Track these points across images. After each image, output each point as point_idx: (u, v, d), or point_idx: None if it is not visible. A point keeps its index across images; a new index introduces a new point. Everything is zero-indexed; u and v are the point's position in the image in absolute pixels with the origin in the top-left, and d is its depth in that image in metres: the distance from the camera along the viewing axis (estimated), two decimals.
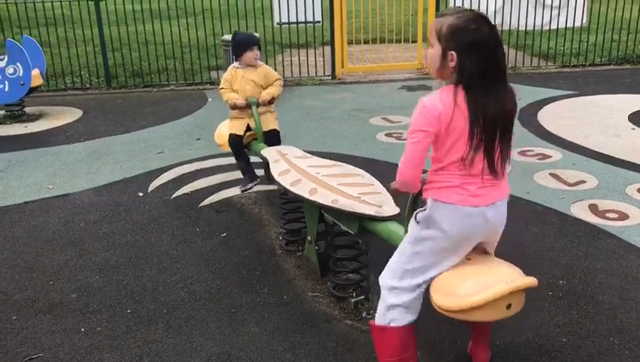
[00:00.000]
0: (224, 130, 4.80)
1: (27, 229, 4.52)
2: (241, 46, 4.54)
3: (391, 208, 3.00)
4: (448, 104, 2.22)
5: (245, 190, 4.77)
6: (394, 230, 2.87)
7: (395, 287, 2.52)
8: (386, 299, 2.55)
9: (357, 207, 3.05)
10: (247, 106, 4.55)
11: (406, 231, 2.67)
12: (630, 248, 3.93)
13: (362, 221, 3.06)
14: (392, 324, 2.54)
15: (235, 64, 4.63)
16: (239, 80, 4.57)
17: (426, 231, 2.41)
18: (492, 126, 2.23)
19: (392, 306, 2.53)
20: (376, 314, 2.60)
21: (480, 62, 2.18)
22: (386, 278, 2.57)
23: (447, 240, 2.37)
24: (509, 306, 2.30)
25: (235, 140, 4.66)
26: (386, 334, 2.58)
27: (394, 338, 2.56)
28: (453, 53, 2.21)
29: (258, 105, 4.56)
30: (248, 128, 4.65)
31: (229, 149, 4.73)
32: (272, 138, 4.62)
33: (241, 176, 4.85)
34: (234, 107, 4.56)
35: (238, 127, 4.64)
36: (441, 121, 2.23)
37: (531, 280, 2.32)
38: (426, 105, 2.26)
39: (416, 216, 2.45)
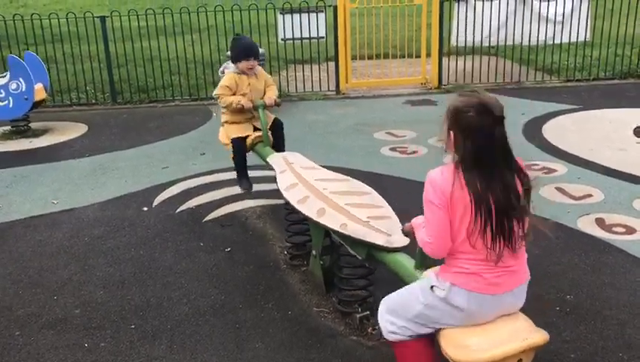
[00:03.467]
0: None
1: (31, 244, 4.52)
2: (242, 53, 4.51)
3: (401, 238, 2.92)
4: (449, 178, 2.24)
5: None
6: (403, 262, 2.81)
7: (395, 324, 2.50)
8: (387, 328, 2.53)
9: (366, 236, 2.98)
10: (254, 109, 4.55)
11: (416, 267, 2.66)
12: (638, 262, 3.90)
13: (371, 249, 3.00)
14: (398, 339, 2.51)
15: (233, 69, 4.57)
16: (245, 86, 4.57)
17: (439, 303, 2.37)
18: (488, 212, 2.21)
19: (395, 333, 2.51)
20: (381, 329, 2.58)
21: (474, 147, 2.20)
22: (386, 309, 2.54)
23: (461, 316, 2.35)
24: (519, 361, 2.27)
25: (239, 144, 4.64)
26: (398, 347, 2.55)
27: (407, 350, 2.53)
28: (451, 133, 2.26)
29: (265, 107, 4.57)
30: (254, 129, 4.65)
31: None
32: (277, 128, 4.70)
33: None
34: (239, 110, 4.52)
35: (241, 130, 4.62)
36: (444, 194, 2.24)
37: (544, 338, 2.28)
38: (430, 178, 2.30)
39: (432, 289, 2.40)
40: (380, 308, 2.58)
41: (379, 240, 2.94)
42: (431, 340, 2.51)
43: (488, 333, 2.31)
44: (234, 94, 4.56)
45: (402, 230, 2.73)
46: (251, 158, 4.83)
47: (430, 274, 2.47)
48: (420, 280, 2.54)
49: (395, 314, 2.50)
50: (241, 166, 4.78)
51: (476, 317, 2.34)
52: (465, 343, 2.30)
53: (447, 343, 2.36)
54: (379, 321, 2.58)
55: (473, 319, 2.35)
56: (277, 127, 4.74)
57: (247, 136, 4.64)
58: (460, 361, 2.29)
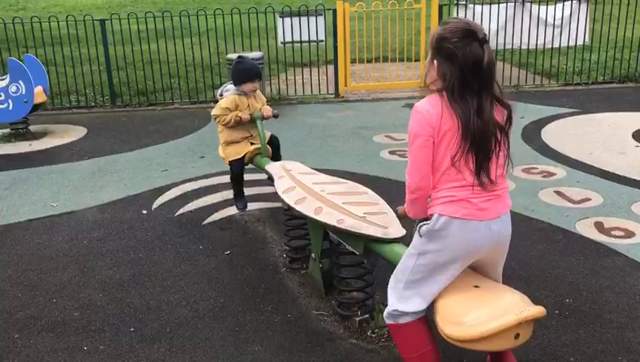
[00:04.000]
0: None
1: (31, 247, 4.51)
2: (245, 76, 4.61)
3: (397, 229, 2.97)
4: (437, 107, 2.28)
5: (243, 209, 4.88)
6: (400, 252, 2.82)
7: (400, 296, 2.53)
8: (392, 304, 2.56)
9: (363, 228, 3.02)
10: (252, 120, 4.60)
11: None
12: (637, 266, 3.90)
13: (368, 242, 3.03)
14: (401, 321, 2.54)
15: (234, 90, 4.65)
16: (245, 107, 4.65)
17: (429, 244, 2.41)
18: (473, 136, 2.24)
19: (399, 314, 2.53)
20: (385, 311, 2.61)
21: (459, 72, 2.22)
22: (392, 285, 2.59)
23: (451, 253, 2.38)
24: (517, 336, 2.27)
25: (238, 168, 4.73)
26: (396, 330, 2.58)
27: (405, 334, 2.55)
28: (436, 61, 2.29)
29: (263, 119, 4.62)
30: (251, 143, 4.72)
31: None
32: (273, 146, 4.77)
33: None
34: (238, 123, 4.57)
35: (239, 149, 4.68)
36: (433, 124, 2.28)
37: (540, 310, 2.29)
38: (418, 109, 2.33)
39: (419, 230, 2.45)
40: (388, 287, 2.61)
41: (375, 232, 2.97)
42: (427, 320, 2.55)
43: (483, 309, 2.32)
44: None
45: (396, 211, 2.74)
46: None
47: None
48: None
49: (399, 283, 2.52)
50: (238, 189, 4.88)
51: (467, 253, 2.37)
52: (460, 320, 2.32)
53: (443, 321, 2.38)
54: (387, 307, 2.61)
55: (465, 257, 2.37)
56: (274, 145, 4.82)
57: (246, 154, 4.69)
58: (457, 337, 2.30)
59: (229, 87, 4.70)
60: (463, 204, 2.33)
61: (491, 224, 2.36)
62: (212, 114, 4.65)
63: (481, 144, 2.27)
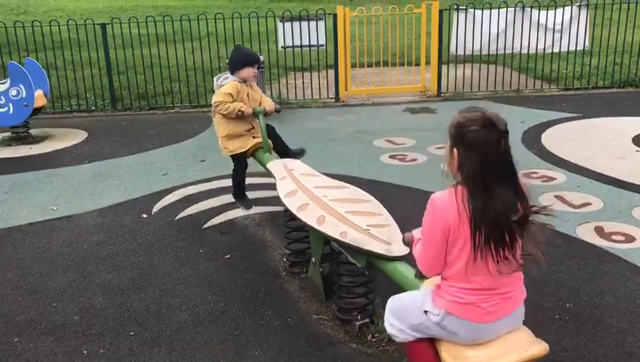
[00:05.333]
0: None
1: (31, 250, 4.51)
2: (243, 61, 4.53)
3: (400, 247, 2.92)
4: (454, 203, 2.18)
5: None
6: (402, 271, 2.81)
7: (396, 327, 2.50)
8: (389, 329, 2.54)
9: (366, 244, 2.98)
10: (254, 115, 4.56)
11: (416, 276, 2.63)
12: (637, 271, 3.90)
13: (370, 257, 3.01)
14: (402, 340, 2.51)
15: (234, 78, 4.57)
16: (245, 96, 4.58)
17: (435, 326, 2.35)
18: (493, 229, 2.16)
19: (397, 337, 2.52)
20: (389, 332, 2.58)
21: (478, 162, 2.14)
22: (389, 314, 2.54)
23: (456, 338, 2.33)
24: None
25: (241, 162, 4.68)
26: (407, 346, 2.54)
27: (416, 347, 2.51)
28: (455, 150, 2.20)
29: (266, 114, 4.59)
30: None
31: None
32: (271, 132, 4.71)
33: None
34: (239, 117, 4.52)
35: (243, 143, 4.63)
36: (446, 220, 2.19)
37: (544, 349, 2.26)
38: (436, 204, 2.22)
39: (426, 313, 2.38)
40: (386, 308, 2.58)
41: (378, 248, 2.94)
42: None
43: (488, 345, 2.30)
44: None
45: (403, 239, 2.71)
46: (251, 165, 4.83)
47: (426, 294, 2.43)
48: (421, 292, 2.51)
49: (397, 318, 2.50)
50: (241, 188, 4.82)
51: (471, 341, 2.32)
52: (464, 355, 2.30)
53: (447, 353, 2.36)
54: (385, 322, 2.58)
55: (469, 342, 2.33)
56: (271, 132, 4.72)
57: (249, 149, 4.65)
58: None
59: (228, 76, 4.59)
60: (470, 308, 2.27)
61: (499, 322, 2.30)
62: (213, 101, 4.53)
63: (498, 241, 2.17)
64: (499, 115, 2.21)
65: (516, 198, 2.20)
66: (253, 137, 4.65)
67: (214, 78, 4.73)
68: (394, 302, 2.56)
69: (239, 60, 4.55)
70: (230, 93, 4.48)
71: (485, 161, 2.13)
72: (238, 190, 4.83)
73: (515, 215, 2.19)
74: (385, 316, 2.57)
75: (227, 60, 4.68)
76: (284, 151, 4.79)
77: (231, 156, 4.70)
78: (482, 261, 2.19)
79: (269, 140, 4.64)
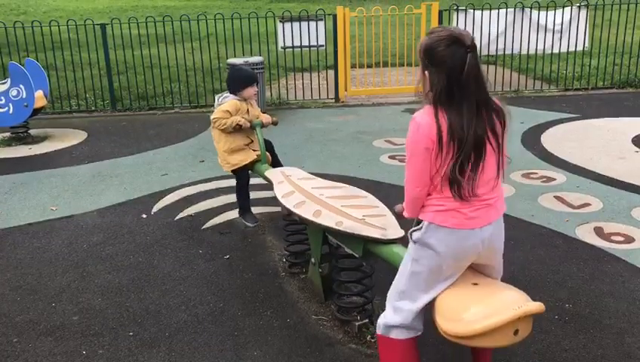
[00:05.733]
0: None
1: (30, 251, 4.51)
2: (244, 82, 4.62)
3: (396, 231, 2.99)
4: (432, 118, 2.27)
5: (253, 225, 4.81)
6: (399, 253, 2.85)
7: (395, 307, 2.55)
8: (387, 316, 2.58)
9: (362, 230, 3.03)
10: (252, 128, 4.60)
11: (396, 210, 2.71)
12: (636, 271, 3.90)
13: (367, 244, 3.04)
14: (391, 336, 2.56)
15: (234, 97, 4.63)
16: (245, 113, 4.63)
17: (421, 250, 2.43)
18: (465, 147, 2.23)
19: (393, 326, 2.55)
20: (378, 323, 2.62)
21: (445, 80, 2.22)
22: (389, 297, 2.60)
23: (442, 260, 2.39)
24: (516, 332, 2.26)
25: (244, 176, 4.72)
26: (387, 344, 2.59)
27: (395, 350, 2.57)
28: (426, 72, 2.30)
29: (263, 126, 4.63)
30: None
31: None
32: (269, 148, 4.77)
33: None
34: (237, 130, 4.56)
35: (244, 156, 4.66)
36: (430, 135, 2.26)
37: (539, 306, 2.28)
38: (417, 120, 2.32)
39: (411, 235, 2.46)
40: (388, 299, 2.61)
41: (374, 233, 2.98)
42: (416, 342, 2.56)
43: (482, 305, 2.32)
44: None
45: (393, 210, 2.75)
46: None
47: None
48: None
49: (395, 293, 2.54)
50: (246, 202, 4.83)
51: (458, 260, 2.38)
52: (459, 316, 2.32)
53: (442, 318, 2.38)
54: (380, 318, 2.61)
55: (456, 264, 2.38)
56: (269, 149, 4.81)
57: (250, 162, 4.68)
58: (456, 334, 2.30)
59: (228, 95, 4.68)
60: (452, 213, 2.34)
61: (481, 231, 2.36)
62: (212, 118, 4.62)
63: (472, 153, 2.26)
64: (463, 30, 2.30)
65: (489, 111, 2.28)
66: (253, 150, 4.69)
67: (216, 97, 4.80)
68: (391, 289, 2.60)
69: (240, 82, 4.63)
70: (228, 111, 4.56)
71: (454, 77, 2.21)
72: (244, 206, 4.84)
73: (489, 127, 2.28)
74: (387, 302, 2.59)
75: (226, 80, 4.73)
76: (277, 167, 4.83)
77: (233, 172, 4.73)
78: (461, 171, 2.26)
79: (267, 153, 4.69)
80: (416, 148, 2.31)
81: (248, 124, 4.58)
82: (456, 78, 2.21)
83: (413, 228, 2.46)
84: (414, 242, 2.46)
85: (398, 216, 2.80)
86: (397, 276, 2.59)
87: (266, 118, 4.72)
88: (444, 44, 2.23)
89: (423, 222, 2.41)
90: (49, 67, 9.23)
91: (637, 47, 10.00)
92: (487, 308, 2.29)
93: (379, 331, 2.62)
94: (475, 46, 2.24)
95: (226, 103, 4.62)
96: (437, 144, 2.25)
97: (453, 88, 2.22)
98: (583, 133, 7.25)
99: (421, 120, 2.30)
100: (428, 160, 2.30)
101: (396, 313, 2.54)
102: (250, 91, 4.65)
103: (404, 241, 2.89)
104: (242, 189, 4.80)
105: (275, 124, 4.78)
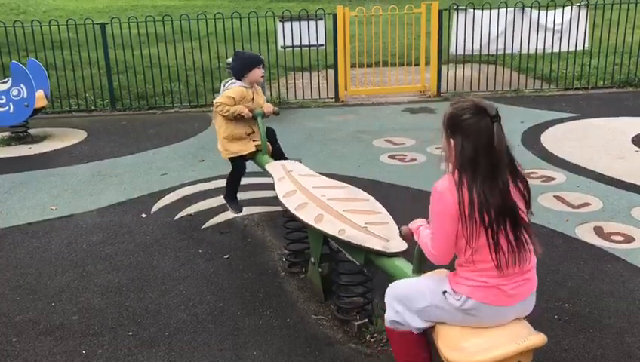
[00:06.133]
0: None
1: (30, 250, 4.51)
2: (250, 63, 4.52)
3: (398, 243, 2.93)
4: (453, 189, 2.23)
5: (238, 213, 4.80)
6: (401, 267, 2.82)
7: (402, 318, 2.51)
8: (390, 314, 2.55)
9: (364, 241, 2.99)
10: (253, 117, 4.56)
11: (414, 271, 2.65)
12: (636, 271, 3.89)
13: (369, 254, 3.01)
14: (400, 329, 2.54)
15: (240, 83, 4.58)
16: (250, 100, 4.57)
17: (452, 308, 2.35)
18: (490, 216, 2.19)
19: (397, 323, 2.53)
20: (386, 320, 2.59)
21: (472, 150, 2.19)
22: (393, 294, 2.55)
23: (471, 320, 2.33)
24: None
25: (240, 165, 4.69)
26: (396, 336, 2.57)
27: (404, 341, 2.54)
28: (451, 140, 2.26)
29: (264, 116, 4.59)
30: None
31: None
32: (270, 136, 4.73)
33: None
34: (239, 119, 4.52)
35: (243, 146, 4.62)
36: (452, 203, 2.22)
37: (541, 339, 2.26)
38: (439, 190, 2.27)
39: (445, 294, 2.37)
40: (387, 293, 2.58)
41: (376, 245, 2.95)
42: (426, 333, 2.53)
43: (485, 335, 2.30)
44: None
45: (400, 232, 2.73)
46: (250, 165, 4.82)
47: (441, 278, 2.44)
48: (431, 277, 2.51)
49: (400, 303, 2.51)
50: (234, 191, 4.81)
51: (487, 323, 2.34)
52: (461, 345, 2.30)
53: (444, 344, 2.36)
54: (387, 312, 2.58)
55: (483, 324, 2.34)
56: (271, 135, 4.75)
57: (249, 153, 4.65)
58: None
59: (235, 82, 4.60)
60: (492, 291, 2.28)
61: (518, 306, 2.33)
62: (215, 101, 4.54)
63: (507, 223, 2.22)
64: (491, 102, 2.27)
65: (517, 180, 2.27)
66: (253, 141, 4.65)
67: (222, 83, 4.74)
68: (398, 286, 2.56)
69: (245, 64, 4.54)
70: (233, 97, 4.49)
71: (481, 146, 2.19)
72: (231, 192, 4.82)
73: (518, 197, 2.26)
74: (386, 301, 2.57)
75: (229, 68, 4.65)
76: (280, 157, 4.79)
77: (230, 159, 4.70)
78: (495, 245, 2.22)
79: (268, 143, 4.66)
80: (441, 214, 2.27)
81: (250, 115, 4.52)
82: (484, 147, 2.18)
83: (449, 293, 2.35)
84: (445, 298, 2.36)
85: (404, 238, 2.75)
86: (410, 295, 2.48)
87: (267, 107, 4.66)
88: (470, 113, 2.21)
89: (460, 295, 2.32)
90: (49, 66, 9.20)
91: (637, 46, 9.99)
92: (490, 340, 2.27)
93: (386, 323, 2.59)
94: (499, 117, 2.22)
95: (231, 89, 4.54)
96: (460, 214, 2.21)
97: (480, 157, 2.19)
98: (583, 132, 7.24)
99: (443, 189, 2.26)
100: (455, 224, 2.25)
101: (404, 320, 2.51)
102: (257, 73, 4.54)
103: (406, 255, 2.87)
104: (234, 178, 4.76)
105: (276, 113, 4.72)
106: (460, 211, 2.21)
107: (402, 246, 2.91)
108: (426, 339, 2.56)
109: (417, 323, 2.46)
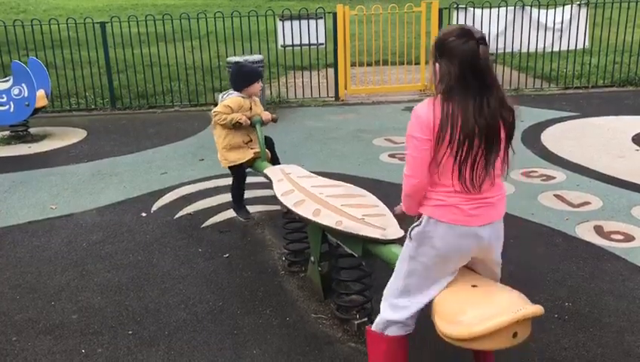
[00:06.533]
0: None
1: (29, 249, 4.51)
2: (250, 78, 4.62)
3: (395, 231, 2.98)
4: (435, 110, 2.27)
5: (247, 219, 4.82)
6: (398, 254, 2.83)
7: (393, 304, 2.55)
8: (384, 312, 2.58)
9: (361, 230, 3.02)
10: (252, 125, 4.59)
11: (396, 212, 2.73)
12: (636, 270, 3.89)
13: (366, 244, 3.03)
14: (386, 333, 2.57)
15: (237, 94, 4.63)
16: (247, 110, 4.63)
17: (419, 248, 2.43)
18: (472, 137, 2.23)
19: (390, 322, 2.55)
20: (375, 321, 2.63)
21: (458, 71, 2.23)
22: (386, 294, 2.60)
23: (439, 257, 2.39)
24: (515, 335, 2.25)
25: (240, 174, 4.72)
26: (377, 340, 2.60)
27: (384, 346, 2.58)
28: (437, 64, 2.31)
29: (263, 123, 4.62)
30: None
31: None
32: (269, 146, 4.79)
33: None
34: (237, 127, 4.56)
35: (242, 154, 4.66)
36: (432, 127, 2.27)
37: (537, 309, 2.27)
38: (418, 112, 2.32)
39: (410, 233, 2.46)
40: (384, 298, 2.62)
41: (374, 233, 2.97)
42: (407, 342, 2.56)
43: (481, 308, 2.31)
44: None
45: (393, 211, 2.75)
46: (249, 171, 4.84)
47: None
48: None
49: (393, 291, 2.54)
50: (239, 196, 4.85)
51: (453, 257, 2.38)
52: (458, 319, 2.31)
53: (440, 319, 2.37)
54: (379, 315, 2.62)
55: (452, 261, 2.38)
56: (269, 145, 4.83)
57: (247, 160, 4.68)
58: (455, 336, 2.29)
59: (232, 93, 4.67)
60: (451, 209, 2.33)
61: (480, 230, 2.36)
62: (213, 111, 4.59)
63: (483, 149, 2.25)
64: (473, 27, 2.32)
65: (499, 108, 2.28)
66: (251, 149, 4.69)
67: (219, 95, 4.79)
68: (390, 287, 2.60)
69: (245, 79, 4.64)
70: (230, 106, 4.56)
71: (465, 68, 2.22)
72: (238, 202, 4.85)
73: (496, 122, 2.27)
74: (388, 304, 2.58)
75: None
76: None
77: (229, 168, 4.73)
78: (463, 166, 2.26)
79: (267, 151, 4.70)
80: (417, 138, 2.31)
81: (248, 122, 4.57)
82: (469, 67, 2.22)
83: (414, 225, 2.45)
84: (411, 238, 2.45)
85: (398, 218, 2.80)
86: (394, 274, 2.59)
87: (265, 115, 4.72)
88: (455, 35, 2.25)
89: (422, 216, 2.41)
90: (49, 65, 9.20)
91: (637, 45, 9.99)
92: (486, 311, 2.28)
93: (374, 327, 2.61)
94: (485, 39, 2.26)
95: (228, 99, 4.61)
96: (437, 133, 2.25)
97: (466, 78, 2.23)
98: (582, 131, 7.24)
99: (421, 111, 2.31)
100: (427, 150, 2.30)
101: (394, 311, 2.54)
102: (256, 87, 4.66)
103: (403, 242, 2.89)
104: (237, 188, 4.82)
105: (274, 121, 4.78)
106: (434, 130, 2.25)
107: (399, 233, 2.95)
108: (406, 354, 2.60)
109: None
